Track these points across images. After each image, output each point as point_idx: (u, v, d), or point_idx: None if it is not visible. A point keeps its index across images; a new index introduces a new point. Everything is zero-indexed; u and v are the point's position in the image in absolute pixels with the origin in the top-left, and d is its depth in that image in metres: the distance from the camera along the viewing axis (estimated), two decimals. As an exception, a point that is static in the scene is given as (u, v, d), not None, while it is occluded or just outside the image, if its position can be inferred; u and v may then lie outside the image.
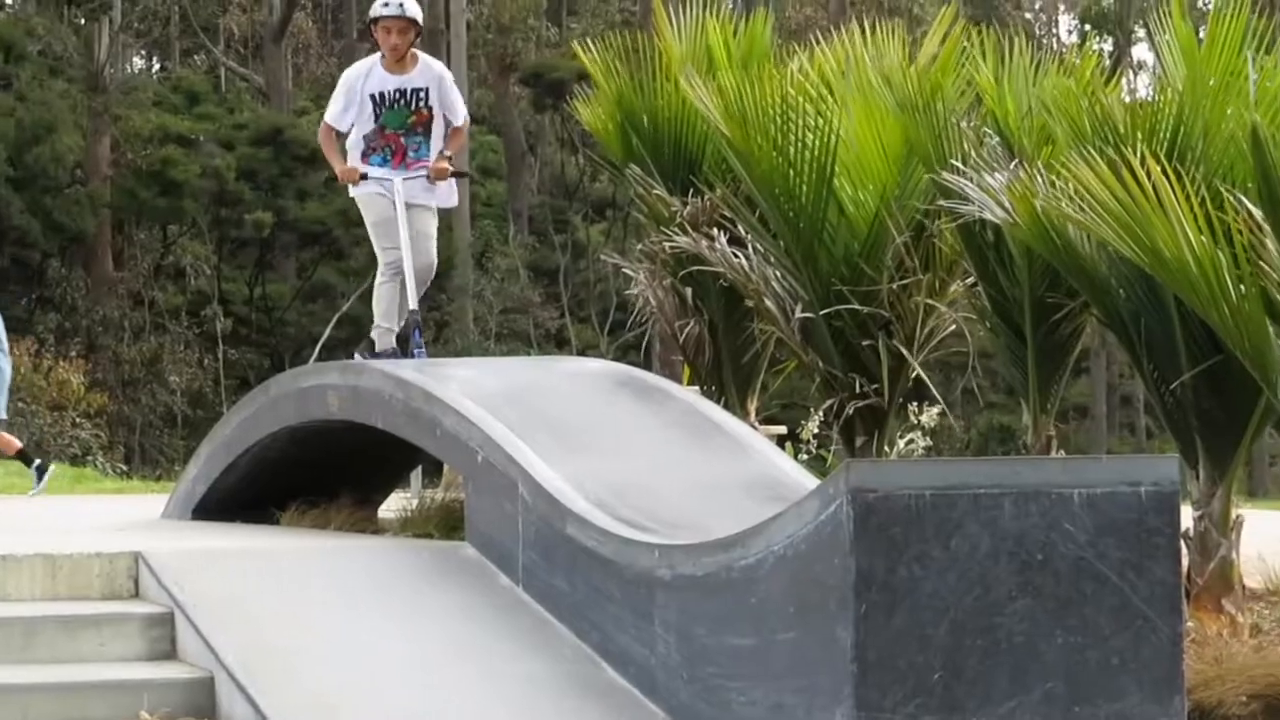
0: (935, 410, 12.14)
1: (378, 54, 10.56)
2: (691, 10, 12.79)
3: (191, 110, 41.25)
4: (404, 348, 11.10)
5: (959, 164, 10.32)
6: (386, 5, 10.37)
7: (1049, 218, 9.49)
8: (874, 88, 10.98)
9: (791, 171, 11.10)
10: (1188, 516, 9.80)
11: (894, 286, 10.90)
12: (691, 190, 11.98)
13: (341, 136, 10.77)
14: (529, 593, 8.76)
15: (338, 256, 39.73)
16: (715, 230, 11.55)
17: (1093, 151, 9.10)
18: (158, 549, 9.56)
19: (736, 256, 11.30)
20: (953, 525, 6.83)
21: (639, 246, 12.66)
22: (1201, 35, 10.26)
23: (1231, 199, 8.82)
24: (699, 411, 9.97)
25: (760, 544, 7.33)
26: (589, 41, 13.35)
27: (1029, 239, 9.99)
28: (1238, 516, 10.24)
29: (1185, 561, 9.66)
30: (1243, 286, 8.84)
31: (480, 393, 9.80)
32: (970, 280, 11.56)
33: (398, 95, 10.36)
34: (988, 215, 9.99)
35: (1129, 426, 44.00)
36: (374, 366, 11.08)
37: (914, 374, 11.38)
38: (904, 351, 11.15)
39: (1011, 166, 10.14)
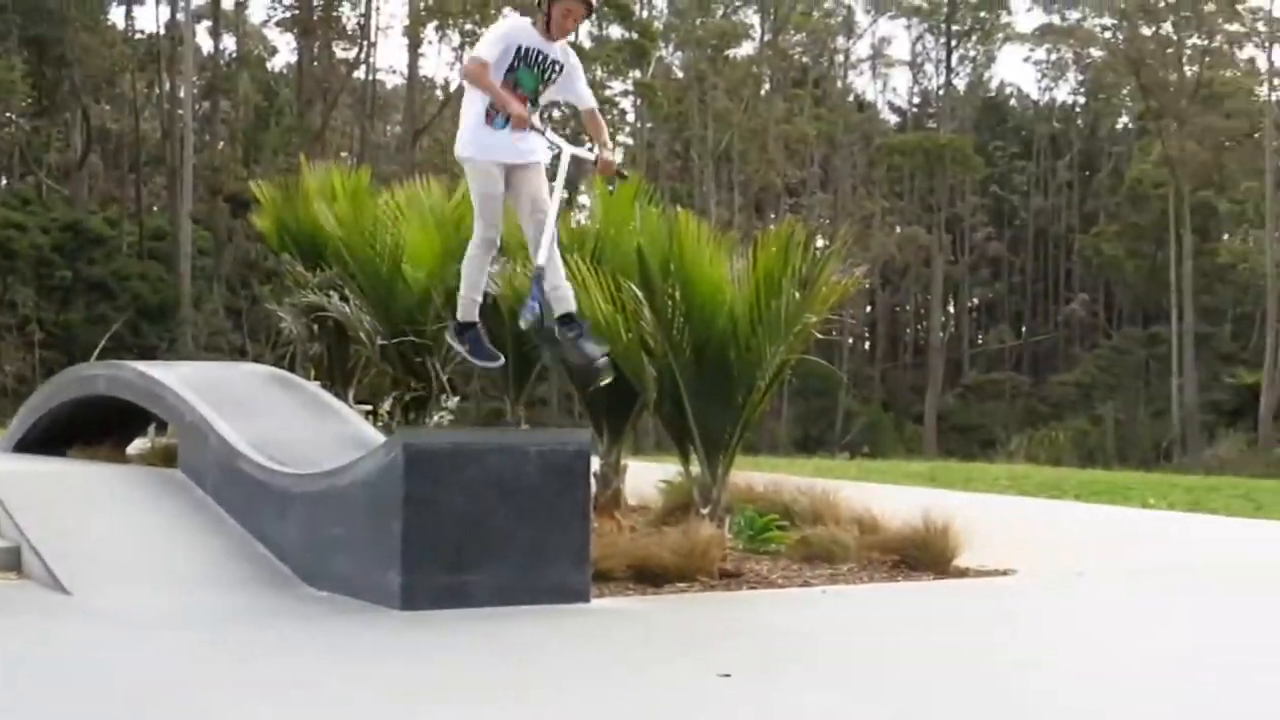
0: (456, 400, 12.75)
1: (532, 19, 7.63)
2: (323, 163, 13.73)
3: (24, 208, 49.40)
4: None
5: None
6: None
7: (522, 292, 10.64)
8: (425, 213, 12.04)
9: (377, 258, 12.31)
10: (598, 463, 11.44)
11: (434, 328, 11.73)
12: (319, 267, 12.87)
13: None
14: (215, 500, 9.46)
15: (112, 297, 46.93)
16: (332, 291, 12.53)
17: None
18: (-12, 466, 10.19)
19: (344, 306, 12.29)
20: (462, 466, 7.93)
21: (288, 300, 13.44)
22: (612, 189, 11.59)
23: (626, 284, 10.30)
24: (319, 397, 10.90)
25: (351, 474, 8.30)
26: (261, 182, 14.34)
27: (511, 304, 11.14)
28: (624, 465, 11.71)
29: (594, 489, 11.17)
30: (628, 334, 10.35)
31: (190, 382, 10.56)
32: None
33: (540, 57, 7.57)
34: (489, 289, 11.26)
35: (570, 411, 46.22)
36: (128, 365, 11.81)
37: (446, 378, 12.36)
38: (439, 366, 12.21)
39: (503, 262, 11.23)
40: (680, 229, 10.10)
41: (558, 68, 7.65)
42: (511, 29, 7.71)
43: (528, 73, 7.57)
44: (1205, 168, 62.14)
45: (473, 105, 7.66)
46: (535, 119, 7.54)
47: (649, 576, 8.89)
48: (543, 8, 7.53)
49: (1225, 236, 68.07)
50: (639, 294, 10.22)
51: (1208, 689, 5.92)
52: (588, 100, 7.98)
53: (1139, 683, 6.02)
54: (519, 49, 7.53)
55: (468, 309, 8.07)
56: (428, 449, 8.02)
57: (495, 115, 7.50)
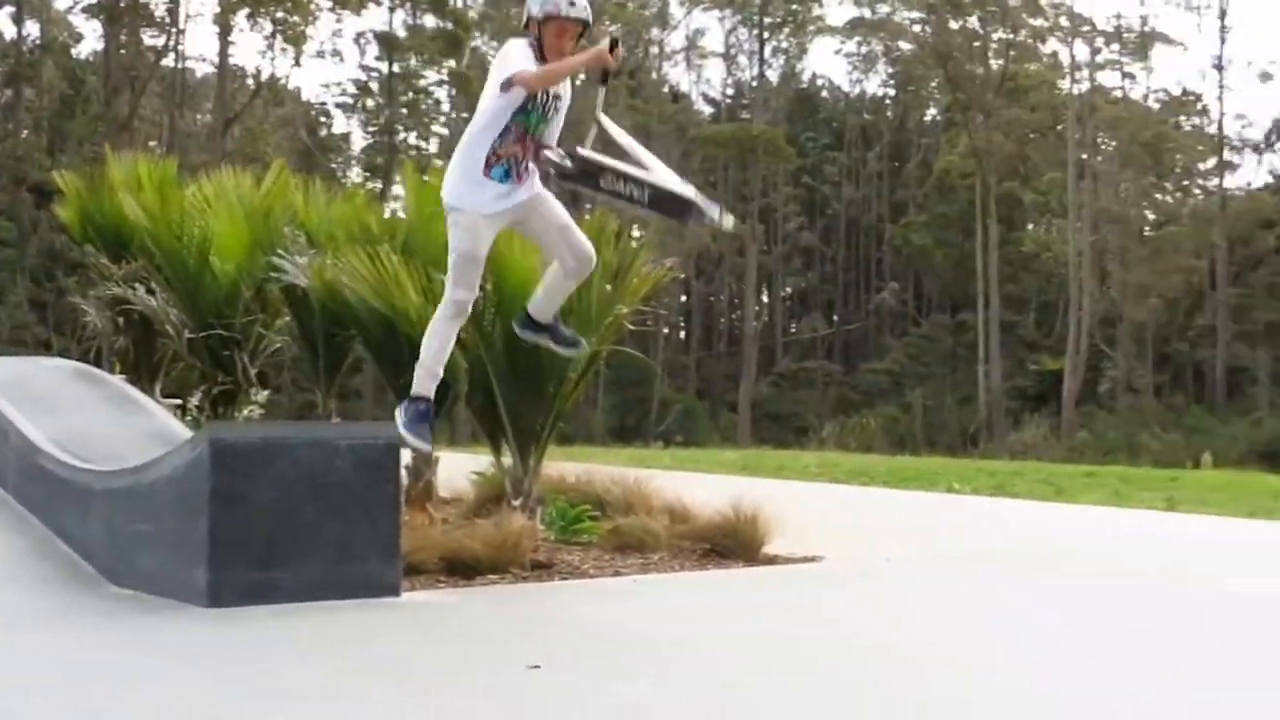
0: (266, 394, 12.50)
1: (528, 44, 6.40)
2: (130, 152, 13.39)
3: None
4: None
5: (283, 251, 11.42)
6: (573, 5, 6.39)
7: (333, 284, 10.76)
8: (233, 204, 11.84)
9: (184, 250, 12.09)
10: (409, 456, 11.37)
11: (243, 320, 11.62)
12: (125, 259, 12.63)
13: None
14: (16, 499, 9.30)
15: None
16: (138, 284, 12.28)
17: (359, 247, 10.40)
18: None
19: (151, 299, 12.03)
20: (271, 461, 7.85)
21: (93, 293, 13.13)
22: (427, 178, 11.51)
23: (438, 276, 10.16)
24: (125, 392, 10.73)
25: (157, 470, 8.17)
26: (65, 172, 13.94)
27: (322, 296, 11.23)
28: (436, 457, 11.66)
29: (406, 482, 11.14)
30: None
31: (-6, 379, 10.26)
32: (289, 318, 12.51)
33: (547, 97, 6.46)
34: (299, 281, 11.23)
35: (382, 404, 45.88)
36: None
37: (255, 372, 12.21)
38: (247, 360, 12.06)
39: (312, 254, 11.21)
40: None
41: (559, 102, 6.59)
42: (523, 51, 6.44)
43: (537, 116, 6.49)
44: (1010, 159, 63.88)
45: (472, 149, 6.54)
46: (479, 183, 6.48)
47: (461, 569, 8.89)
48: (532, 29, 6.48)
49: (1030, 226, 70.04)
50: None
51: (1017, 669, 6.12)
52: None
53: (946, 666, 6.18)
54: (524, 104, 6.44)
55: (423, 382, 6.99)
56: (235, 444, 7.91)
57: (496, 163, 6.46)
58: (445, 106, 69.67)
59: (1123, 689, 5.64)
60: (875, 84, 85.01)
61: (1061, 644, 6.82)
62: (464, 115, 66.47)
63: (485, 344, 10.12)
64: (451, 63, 64.23)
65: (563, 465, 12.98)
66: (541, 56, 6.41)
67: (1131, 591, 8.95)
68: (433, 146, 70.34)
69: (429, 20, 62.25)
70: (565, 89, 6.62)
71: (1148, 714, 5.29)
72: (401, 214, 11.84)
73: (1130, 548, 12.03)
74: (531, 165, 6.54)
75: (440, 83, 68.03)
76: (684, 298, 76.30)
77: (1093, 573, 9.98)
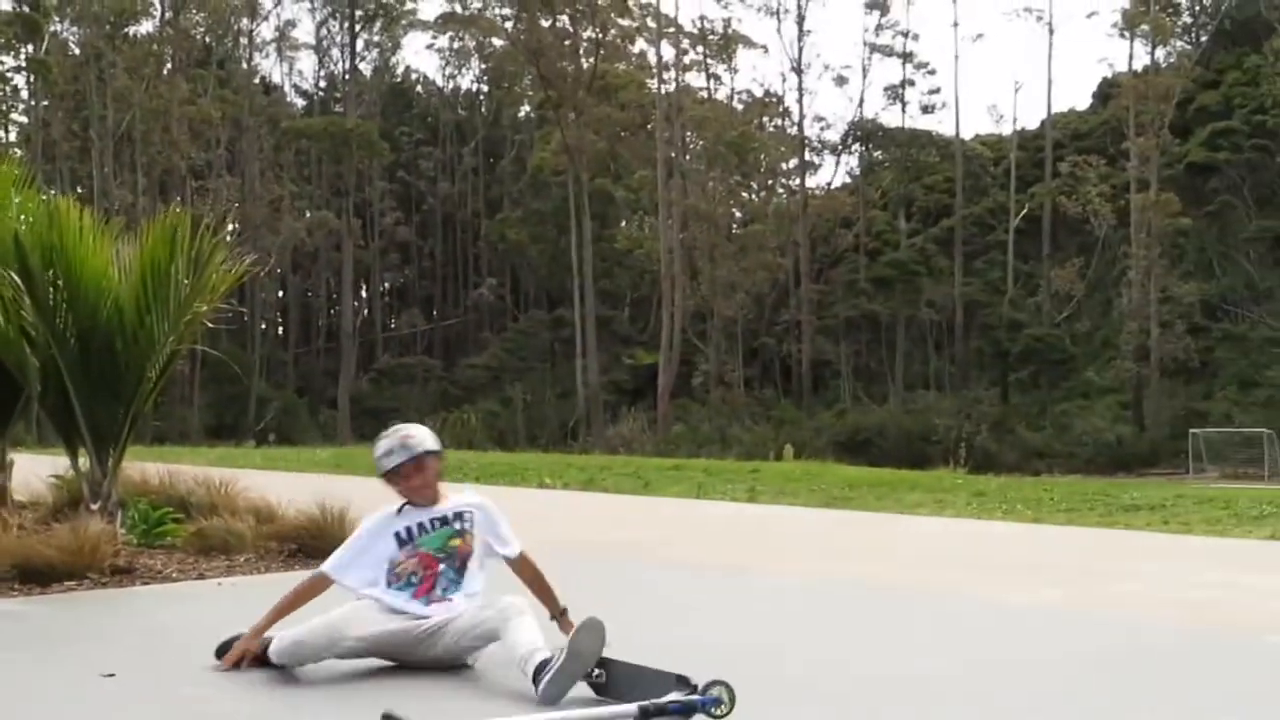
0: None
1: (397, 504, 6.04)
2: None
3: None
4: None
5: None
6: (405, 449, 5.98)
7: None
8: None
9: None
10: None
11: None
12: None
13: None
14: None
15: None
16: None
17: None
18: None
19: None
20: None
21: None
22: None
23: (5, 273, 9.92)
24: None
25: None
26: None
27: None
28: (11, 460, 11.29)
29: None
30: (9, 324, 10.03)
31: None
32: None
33: (436, 522, 5.94)
34: None
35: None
36: None
37: None
38: None
39: None
40: (61, 215, 9.81)
41: (466, 515, 6.04)
42: (368, 528, 6.08)
43: (429, 536, 5.94)
44: (602, 156, 65.52)
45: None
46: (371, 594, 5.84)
47: (34, 575, 8.63)
48: (392, 482, 6.07)
49: (623, 223, 71.97)
50: (18, 282, 9.81)
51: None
52: (510, 548, 6.18)
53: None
54: (398, 534, 5.93)
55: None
56: None
57: (393, 582, 5.89)
58: (24, 94, 66.64)
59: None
60: (469, 79, 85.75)
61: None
62: (44, 103, 63.67)
63: (58, 343, 9.81)
64: (29, 48, 61.43)
65: (146, 466, 12.78)
66: (413, 501, 6.02)
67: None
68: (12, 135, 67.08)
69: (4, 4, 59.34)
70: (455, 504, 6.08)
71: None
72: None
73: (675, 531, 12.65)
74: (439, 595, 5.88)
75: (19, 69, 65.01)
76: (280, 293, 75.16)
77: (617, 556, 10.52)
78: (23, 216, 10.69)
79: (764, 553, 11.26)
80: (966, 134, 74.34)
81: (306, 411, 64.47)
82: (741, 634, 7.07)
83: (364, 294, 78.92)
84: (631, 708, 4.75)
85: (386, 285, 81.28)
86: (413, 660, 5.77)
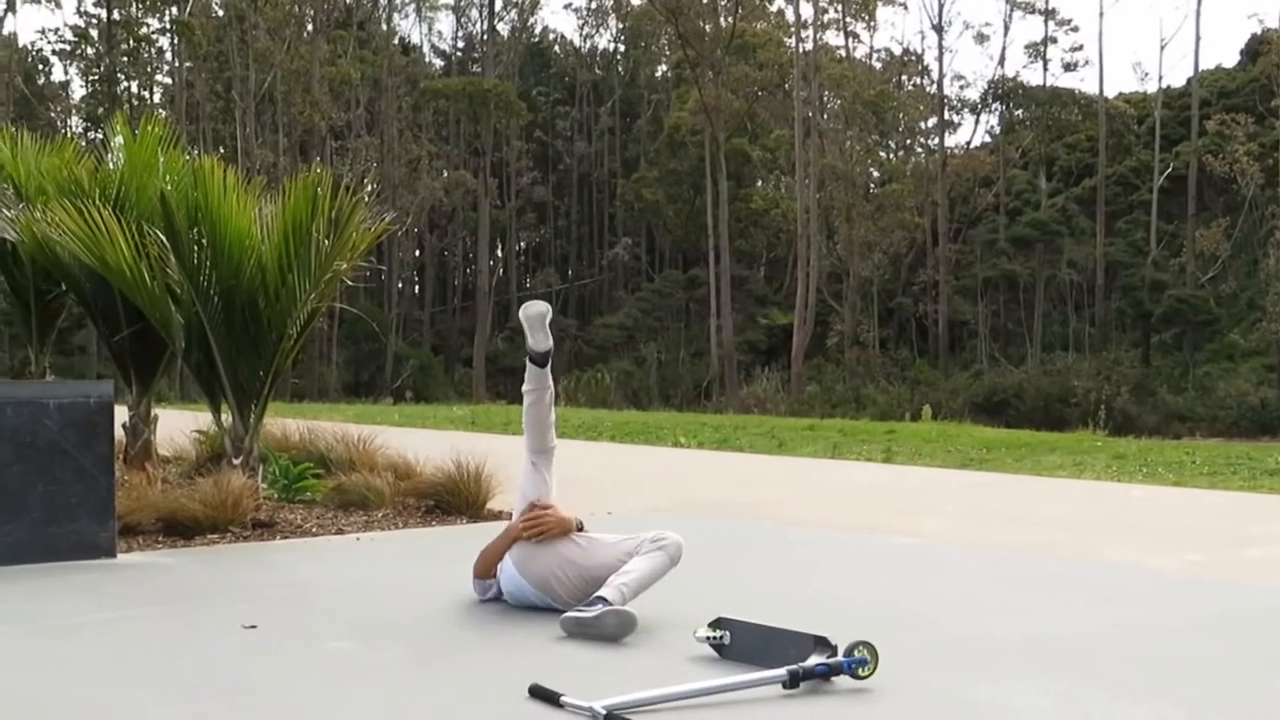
0: None
1: None
2: None
3: None
4: None
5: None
6: None
7: (43, 238, 10.49)
8: None
9: None
10: (127, 415, 11.25)
11: None
12: None
13: None
14: None
15: None
16: None
17: (69, 200, 10.14)
18: None
19: None
20: None
21: None
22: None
23: (151, 231, 10.09)
24: None
25: None
26: None
27: (31, 251, 10.91)
28: (155, 415, 11.48)
29: (125, 441, 10.99)
30: (154, 282, 10.18)
31: None
32: (-1, 274, 12.10)
33: None
34: (7, 235, 10.90)
35: (109, 360, 44.77)
36: None
37: None
38: None
39: (21, 206, 10.86)
40: (206, 175, 9.96)
41: None
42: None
43: None
44: (739, 115, 65.12)
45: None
46: None
47: (179, 529, 8.85)
48: None
49: (759, 183, 71.54)
50: (164, 240, 10.03)
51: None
52: None
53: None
54: None
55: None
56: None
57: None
58: (168, 55, 67.76)
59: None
60: (606, 39, 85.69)
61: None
62: (187, 64, 64.80)
63: (202, 301, 10.01)
64: (174, 10, 62.42)
65: (286, 423, 13.01)
66: None
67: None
68: (156, 96, 68.36)
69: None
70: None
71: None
72: (112, 167, 11.46)
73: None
74: None
75: (163, 30, 66.11)
76: (417, 252, 75.85)
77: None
78: (168, 176, 10.89)
79: (901, 513, 11.15)
80: (1110, 92, 72.77)
81: (442, 369, 65.11)
82: (879, 594, 7.03)
83: (500, 253, 79.39)
84: (780, 672, 4.72)
85: (522, 244, 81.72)
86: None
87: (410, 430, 20.66)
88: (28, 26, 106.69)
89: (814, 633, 4.94)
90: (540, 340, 6.28)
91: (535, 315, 6.28)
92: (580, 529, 6.35)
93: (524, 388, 6.34)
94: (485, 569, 6.38)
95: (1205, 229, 61.29)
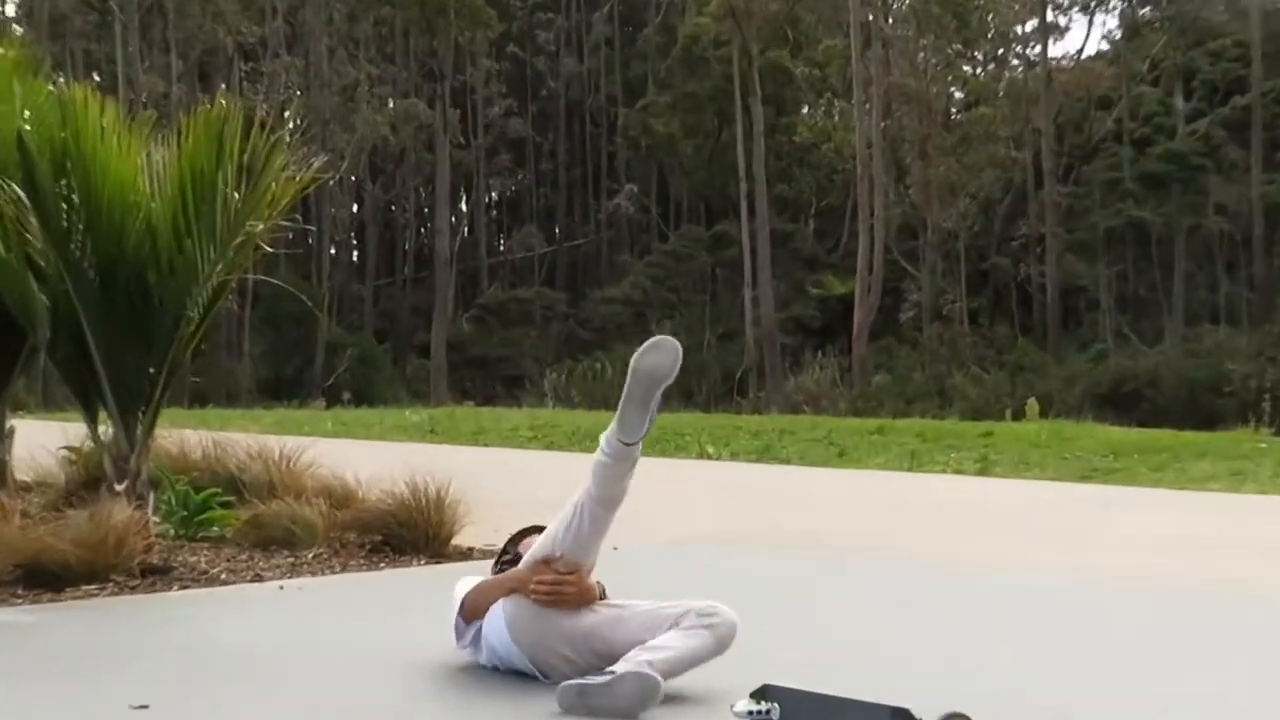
0: None
1: None
2: None
3: None
4: None
5: None
6: None
7: None
8: None
9: None
10: None
11: None
12: None
13: None
14: None
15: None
16: None
17: None
18: None
19: None
20: None
21: None
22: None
23: (5, 184, 9.97)
24: None
25: None
26: None
27: None
28: (11, 428, 11.42)
29: None
30: (9, 253, 10.14)
31: None
32: None
33: None
34: None
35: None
36: None
37: None
38: None
39: None
40: (76, 110, 9.90)
41: None
42: None
43: None
44: (777, 20, 64.92)
45: None
46: None
47: (44, 578, 8.80)
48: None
49: (805, 110, 71.48)
50: (22, 196, 9.93)
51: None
52: None
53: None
54: None
55: None
56: None
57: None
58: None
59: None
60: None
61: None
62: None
63: (73, 275, 9.93)
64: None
65: (185, 435, 13.00)
66: None
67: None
68: (10, 8, 68.45)
69: None
70: None
71: None
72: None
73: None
74: None
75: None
76: (355, 208, 75.90)
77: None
78: (27, 113, 10.79)
79: (1009, 542, 11.13)
80: (1267, -18, 72.76)
81: (390, 362, 65.11)
82: (984, 648, 7.05)
83: (464, 207, 79.50)
84: None
85: (494, 196, 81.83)
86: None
87: (349, 442, 20.73)
88: None
89: (890, 703, 4.89)
90: (636, 422, 5.83)
91: (650, 373, 5.80)
92: (602, 597, 6.21)
93: (598, 456, 5.99)
94: (477, 610, 6.18)
95: (1397, 160, 61.24)
